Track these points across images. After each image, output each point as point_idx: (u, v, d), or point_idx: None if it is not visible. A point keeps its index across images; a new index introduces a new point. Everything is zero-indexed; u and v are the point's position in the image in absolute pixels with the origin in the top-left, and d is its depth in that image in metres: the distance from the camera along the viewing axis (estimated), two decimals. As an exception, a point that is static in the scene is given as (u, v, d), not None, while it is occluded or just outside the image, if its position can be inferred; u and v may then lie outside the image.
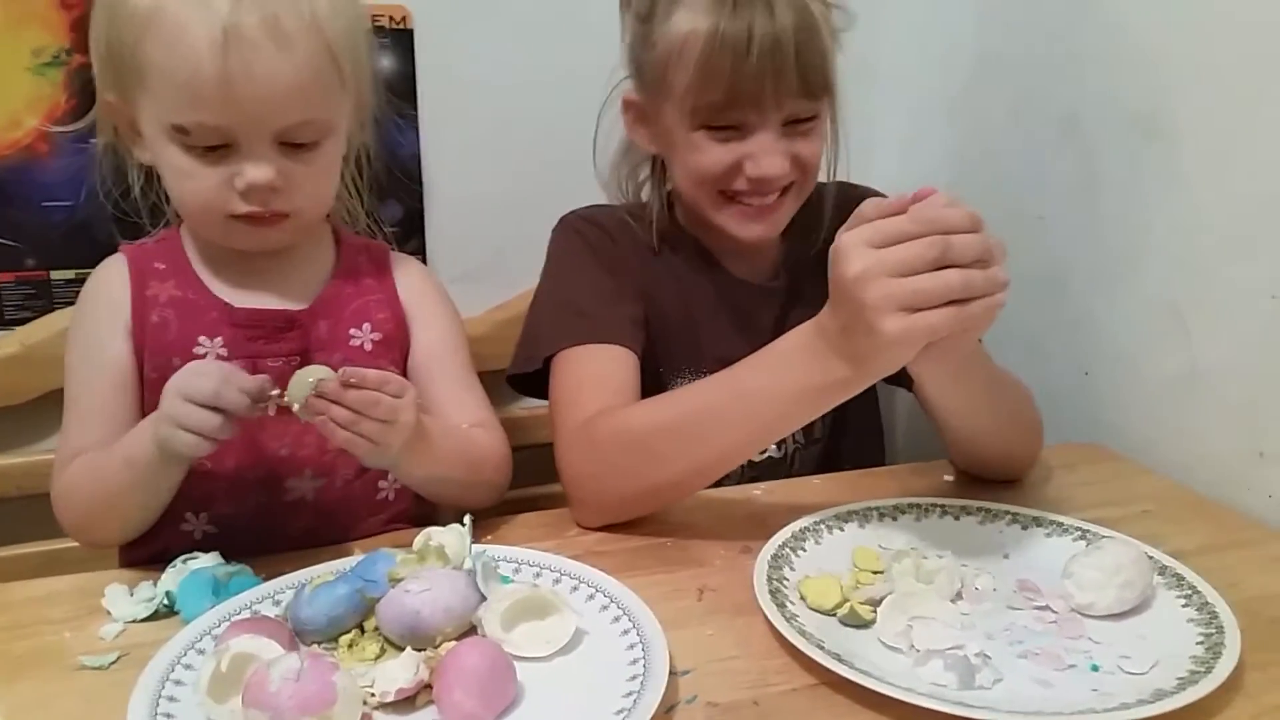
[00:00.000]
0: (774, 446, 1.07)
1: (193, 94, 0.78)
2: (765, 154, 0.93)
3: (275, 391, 0.76)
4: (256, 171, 0.81)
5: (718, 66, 0.89)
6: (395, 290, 0.97)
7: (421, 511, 0.99)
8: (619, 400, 0.92)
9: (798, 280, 1.07)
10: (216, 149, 0.81)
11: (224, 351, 0.88)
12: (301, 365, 0.79)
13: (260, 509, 0.90)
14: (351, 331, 0.93)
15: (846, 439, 1.12)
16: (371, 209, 1.04)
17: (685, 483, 0.88)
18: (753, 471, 1.07)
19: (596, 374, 0.95)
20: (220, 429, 0.74)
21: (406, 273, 1.00)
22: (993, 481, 0.98)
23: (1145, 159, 1.05)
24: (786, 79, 0.90)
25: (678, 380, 1.04)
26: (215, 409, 0.74)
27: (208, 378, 0.74)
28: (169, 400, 0.75)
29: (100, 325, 0.89)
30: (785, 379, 0.79)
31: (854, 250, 0.71)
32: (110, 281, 0.91)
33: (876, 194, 1.13)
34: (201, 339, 0.88)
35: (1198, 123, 1.00)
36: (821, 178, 1.01)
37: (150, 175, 0.94)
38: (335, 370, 0.76)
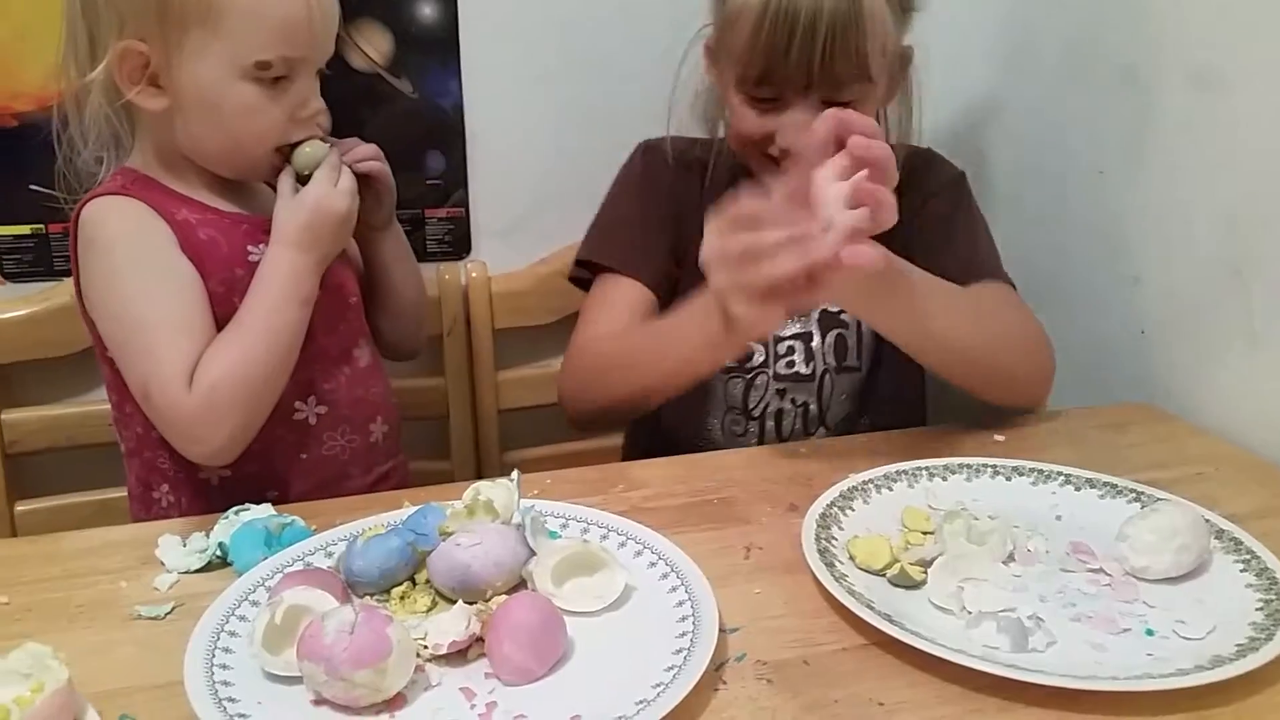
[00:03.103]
0: (801, 363, 1.10)
1: (286, 30, 0.86)
2: (795, 129, 0.93)
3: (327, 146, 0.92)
4: (319, 101, 0.92)
5: (762, 44, 0.92)
6: None
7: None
8: (619, 327, 1.04)
9: None
10: (278, 83, 0.88)
11: None
12: None
13: (347, 380, 0.99)
14: None
15: (884, 371, 1.12)
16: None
17: (637, 398, 1.00)
18: (779, 384, 1.10)
19: (611, 301, 1.06)
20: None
21: None
22: (1044, 442, 0.96)
23: (1205, 113, 1.02)
24: (826, 65, 0.91)
25: None
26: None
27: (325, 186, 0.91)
28: (310, 206, 0.89)
29: (162, 250, 0.89)
30: (688, 327, 0.92)
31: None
32: (142, 215, 0.89)
33: (932, 155, 1.11)
34: (250, 248, 0.92)
35: (1258, 75, 0.96)
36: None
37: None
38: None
